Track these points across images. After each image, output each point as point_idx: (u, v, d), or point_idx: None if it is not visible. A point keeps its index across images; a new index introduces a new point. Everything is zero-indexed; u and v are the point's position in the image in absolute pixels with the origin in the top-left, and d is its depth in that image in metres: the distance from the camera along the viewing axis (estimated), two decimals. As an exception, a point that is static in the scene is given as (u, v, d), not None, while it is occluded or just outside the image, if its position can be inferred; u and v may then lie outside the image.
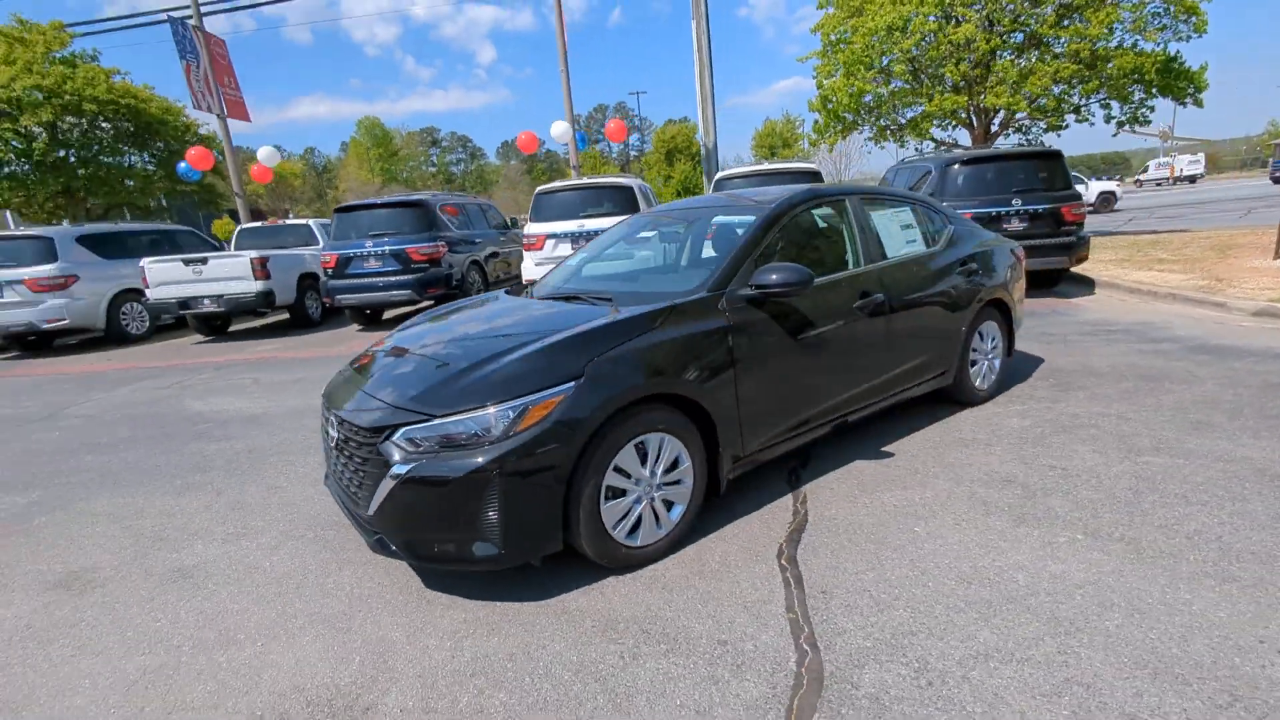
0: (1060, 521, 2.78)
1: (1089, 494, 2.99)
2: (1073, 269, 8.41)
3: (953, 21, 12.02)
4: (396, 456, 2.37)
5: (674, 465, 2.72)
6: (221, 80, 13.65)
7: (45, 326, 9.22)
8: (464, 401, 2.39)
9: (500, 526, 2.32)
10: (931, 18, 11.74)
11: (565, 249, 8.58)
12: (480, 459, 2.29)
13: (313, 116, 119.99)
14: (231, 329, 10.77)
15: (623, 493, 2.58)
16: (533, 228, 9.04)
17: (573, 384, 2.42)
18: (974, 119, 13.16)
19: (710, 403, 2.76)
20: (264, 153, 14.72)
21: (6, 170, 15.64)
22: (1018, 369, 4.99)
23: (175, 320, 10.51)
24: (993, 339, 4.36)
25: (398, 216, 9.11)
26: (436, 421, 2.36)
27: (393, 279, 8.85)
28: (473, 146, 72.67)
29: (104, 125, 16.48)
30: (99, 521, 3.54)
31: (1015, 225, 7.54)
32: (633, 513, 2.62)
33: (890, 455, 3.59)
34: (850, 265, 3.55)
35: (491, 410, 2.35)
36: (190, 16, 12.95)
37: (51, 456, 4.76)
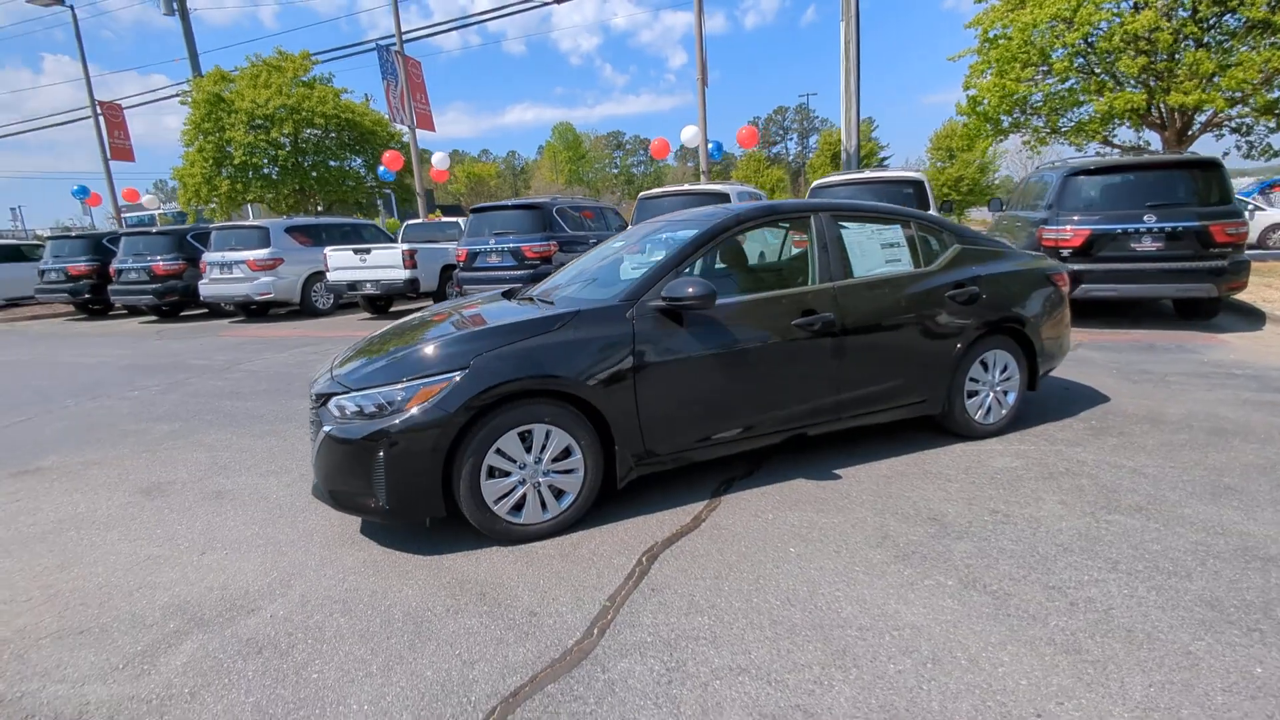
0: (945, 566, 2.60)
1: (1007, 543, 2.74)
2: (1233, 298, 7.04)
3: (1132, 8, 10.29)
4: (326, 420, 2.89)
5: (565, 455, 2.97)
6: (415, 96, 15.80)
7: (257, 298, 11.43)
8: (373, 380, 2.85)
9: (387, 487, 2.75)
10: (1107, 5, 10.14)
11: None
12: (375, 427, 2.73)
13: (521, 122, 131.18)
14: (392, 309, 12.51)
15: (506, 474, 2.89)
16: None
17: (458, 373, 2.78)
18: (1165, 119, 11.18)
19: (604, 403, 2.96)
20: (437, 157, 16.83)
21: (262, 172, 19.58)
22: (1066, 406, 4.45)
23: (350, 299, 12.42)
24: (1004, 369, 3.97)
25: (518, 217, 10.03)
26: (352, 394, 2.84)
27: (510, 273, 9.77)
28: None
29: (330, 135, 19.94)
30: (198, 450, 4.56)
31: (1146, 245, 6.51)
32: (516, 492, 2.91)
33: (837, 478, 3.49)
34: (804, 282, 3.51)
35: (389, 389, 2.78)
36: (394, 43, 15.17)
37: (207, 399, 6.08)
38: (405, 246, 10.55)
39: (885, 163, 38.88)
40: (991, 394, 3.97)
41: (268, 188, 19.75)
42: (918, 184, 7.97)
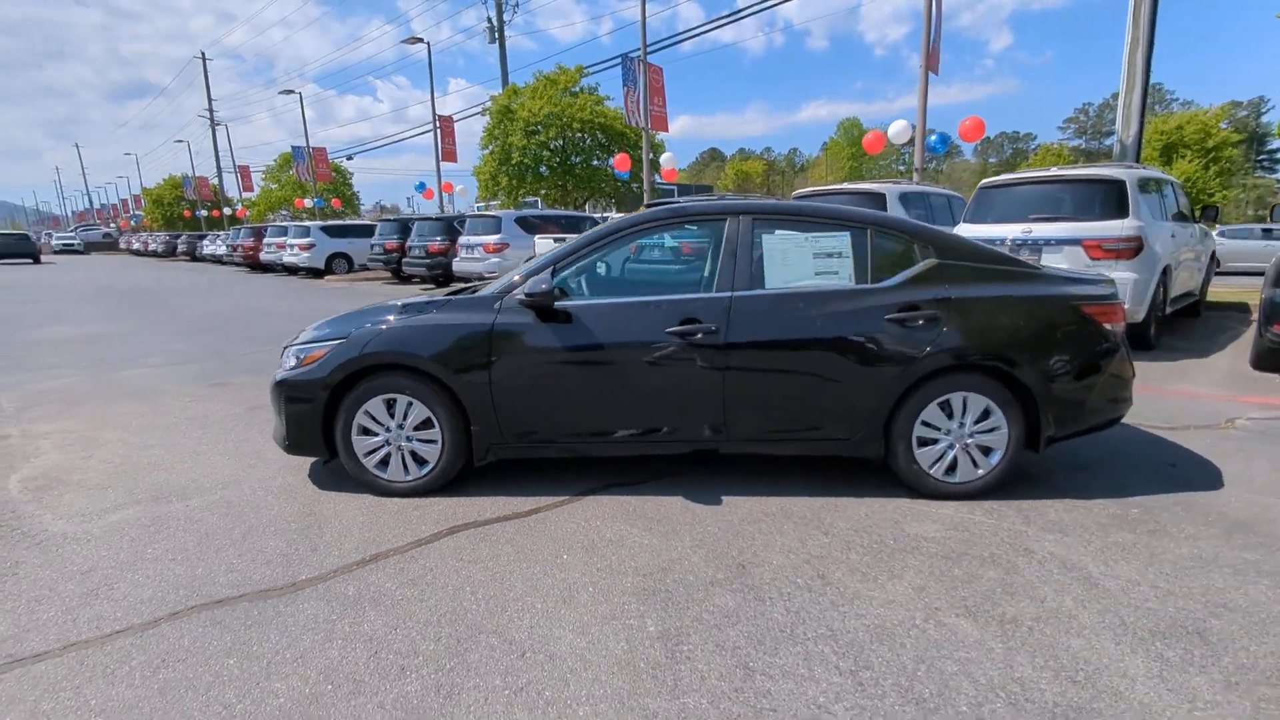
0: (676, 612, 2.30)
1: (779, 612, 2.30)
2: None
3: None
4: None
5: (427, 426, 3.26)
6: (653, 100, 16.80)
7: (487, 276, 13.51)
8: (302, 339, 3.46)
9: (286, 426, 3.35)
10: None
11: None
12: (281, 376, 3.35)
13: (815, 119, 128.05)
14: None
15: (374, 434, 3.29)
16: (962, 230, 6.79)
17: (337, 342, 3.25)
18: None
19: (457, 384, 3.18)
20: (665, 157, 17.61)
21: (538, 170, 22.78)
22: (1133, 477, 3.28)
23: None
24: (981, 418, 3.11)
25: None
26: (291, 348, 3.49)
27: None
28: (954, 142, 67.15)
29: (586, 138, 22.20)
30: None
31: None
32: (382, 450, 3.30)
33: (712, 503, 3.18)
34: (700, 289, 3.22)
35: (302, 347, 3.37)
36: (637, 52, 16.35)
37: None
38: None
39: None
40: (958, 446, 3.15)
41: (539, 184, 22.97)
42: (1115, 185, 6.17)
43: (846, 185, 8.68)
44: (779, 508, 3.13)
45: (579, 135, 22.79)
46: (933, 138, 12.20)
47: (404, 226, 17.23)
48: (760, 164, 54.02)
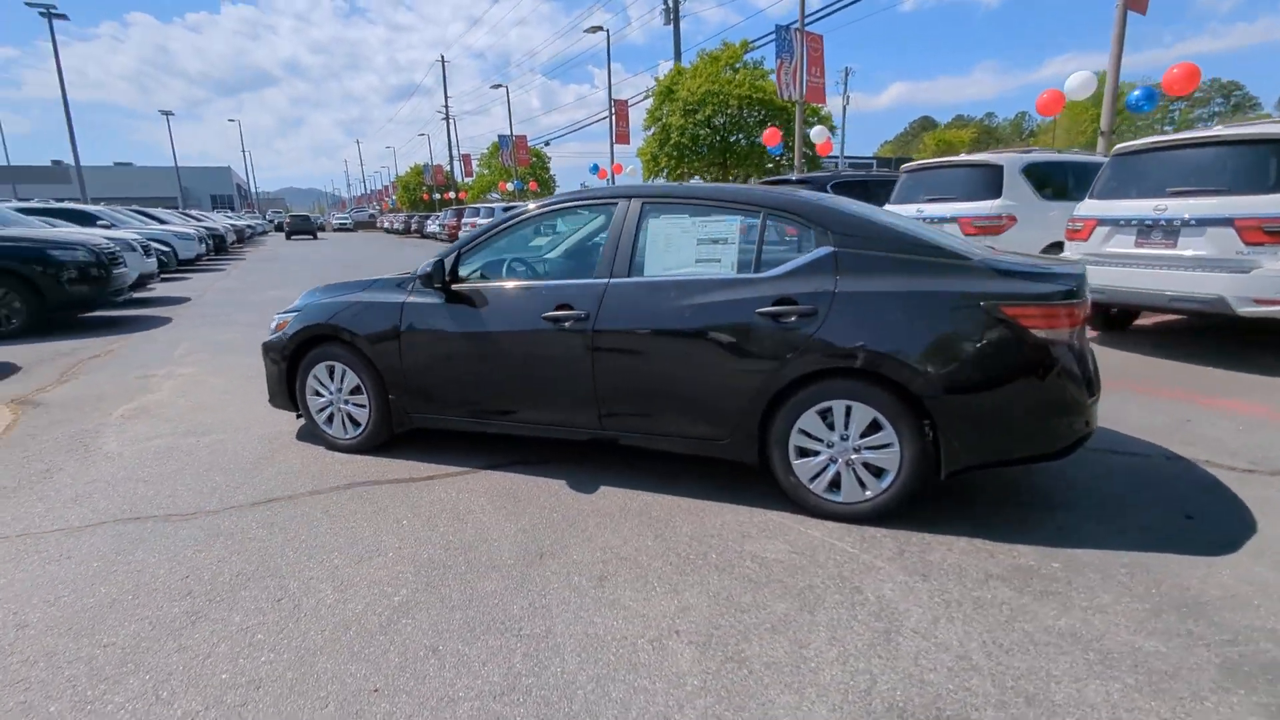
0: (418, 586, 2.37)
1: (513, 605, 2.26)
2: None
3: None
4: None
5: (358, 392, 3.63)
6: (811, 71, 15.73)
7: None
8: (286, 309, 4.01)
9: (267, 382, 3.93)
10: None
11: (1125, 242, 5.43)
12: (263, 341, 3.92)
13: (1060, 75, 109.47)
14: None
15: (320, 394, 3.73)
16: (1085, 207, 5.84)
17: (295, 314, 3.73)
18: None
19: (374, 355, 3.48)
20: (815, 130, 16.28)
21: (698, 149, 22.54)
22: (1119, 524, 2.60)
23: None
24: (868, 431, 2.65)
25: (875, 187, 9.57)
26: (277, 316, 4.06)
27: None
28: (1241, 95, 52.79)
29: (750, 114, 21.29)
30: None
31: None
32: (327, 410, 3.74)
33: (589, 493, 3.13)
34: (584, 275, 3.12)
35: (276, 316, 3.92)
36: (795, 23, 15.37)
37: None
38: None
39: None
40: (842, 461, 2.73)
41: (697, 163, 22.79)
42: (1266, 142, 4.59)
43: (962, 156, 7.53)
44: (642, 505, 3.00)
45: (738, 112, 22.17)
46: (1135, 93, 9.95)
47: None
48: (972, 131, 47.76)
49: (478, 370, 3.33)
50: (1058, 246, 6.51)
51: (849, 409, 2.67)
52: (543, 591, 2.34)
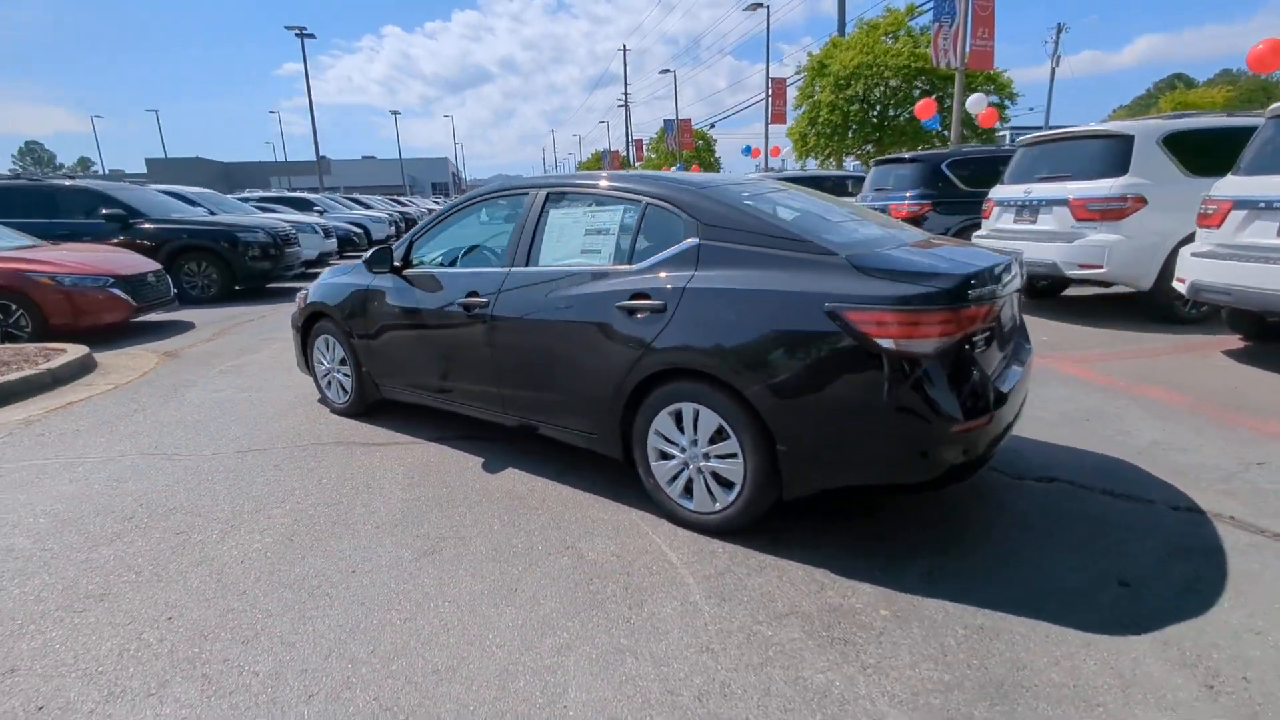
0: (269, 533, 2.65)
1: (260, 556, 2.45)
2: None
3: None
4: None
5: (344, 362, 4.06)
6: (977, 33, 13.73)
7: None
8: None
9: (295, 350, 4.54)
10: None
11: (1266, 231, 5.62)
12: (291, 313, 4.52)
13: None
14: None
15: (321, 363, 4.23)
16: (1225, 185, 4.79)
17: (305, 291, 4.25)
18: None
19: (349, 331, 3.87)
20: (973, 100, 14.04)
21: (848, 128, 20.75)
22: (1027, 571, 2.18)
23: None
24: (716, 438, 2.43)
25: (909, 170, 8.60)
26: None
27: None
28: None
29: (913, 87, 18.99)
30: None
31: None
32: (326, 377, 4.22)
33: (493, 473, 3.24)
34: (499, 263, 3.18)
35: (300, 292, 4.48)
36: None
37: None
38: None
39: None
40: (693, 468, 2.53)
41: (847, 142, 21.01)
42: None
43: (1089, 126, 6.25)
44: (528, 490, 3.04)
45: (898, 84, 20.03)
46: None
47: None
48: (1230, 91, 38.46)
49: (415, 349, 3.56)
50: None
51: (696, 413, 2.48)
52: (371, 553, 2.52)
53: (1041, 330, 5.96)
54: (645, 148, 48.52)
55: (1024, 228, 6.34)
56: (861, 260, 2.25)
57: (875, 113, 21.27)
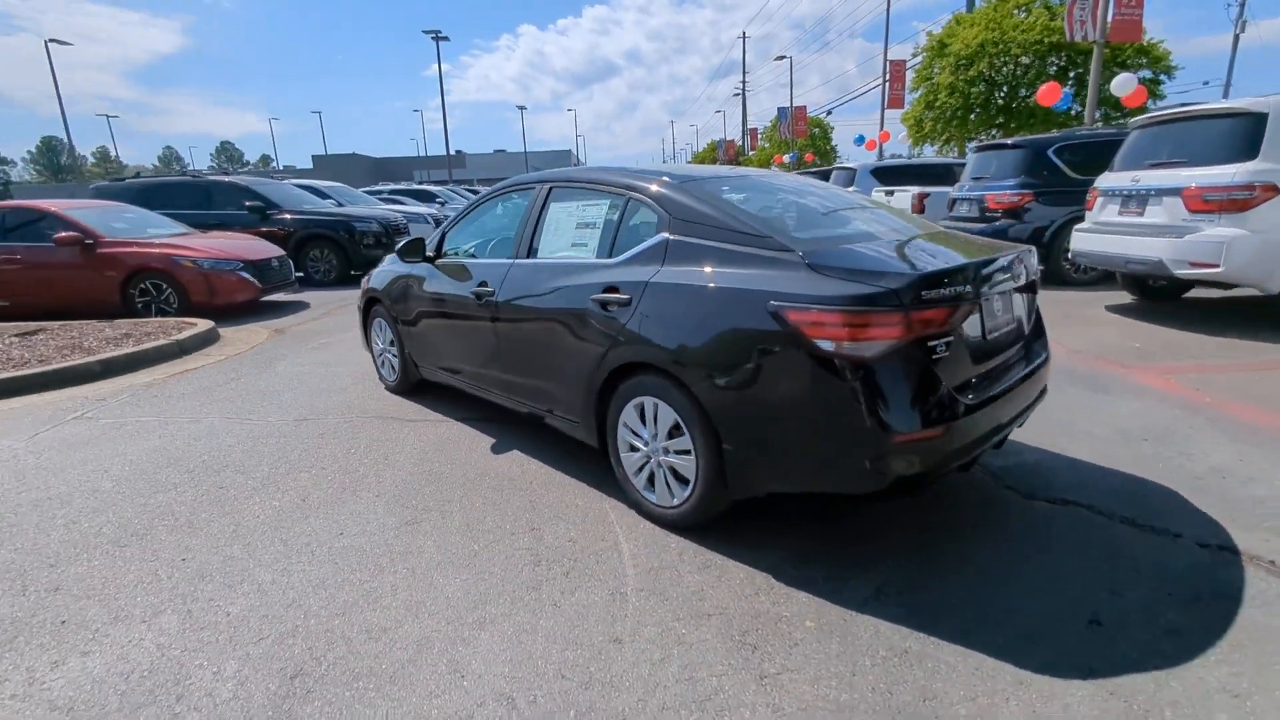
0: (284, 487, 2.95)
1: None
2: None
3: None
4: None
5: (393, 344, 4.39)
6: (1121, 0, 12.03)
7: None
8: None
9: (361, 331, 4.96)
10: None
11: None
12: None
13: None
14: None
15: (377, 344, 4.59)
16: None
17: (367, 277, 4.63)
18: None
19: (395, 315, 4.18)
20: (1118, 81, 12.11)
21: (974, 109, 18.86)
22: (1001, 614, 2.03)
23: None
24: (671, 432, 2.41)
25: (1011, 156, 7.81)
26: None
27: (969, 228, 8.02)
28: None
29: (1039, 63, 16.83)
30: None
31: None
32: (380, 357, 4.59)
33: (498, 455, 3.41)
34: (505, 255, 3.30)
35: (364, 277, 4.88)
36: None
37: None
38: (918, 190, 9.81)
39: None
40: (654, 461, 2.53)
41: (967, 126, 19.11)
42: None
43: (1211, 104, 5.36)
44: (523, 473, 3.17)
45: (1028, 62, 17.91)
46: None
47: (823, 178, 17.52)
48: None
49: (441, 334, 3.79)
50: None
51: (656, 408, 2.48)
52: (363, 519, 2.75)
53: (1137, 336, 5.27)
54: (760, 137, 47.44)
55: (1129, 221, 5.61)
56: (816, 258, 2.14)
57: (1002, 94, 19.34)
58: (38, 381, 4.96)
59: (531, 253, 3.16)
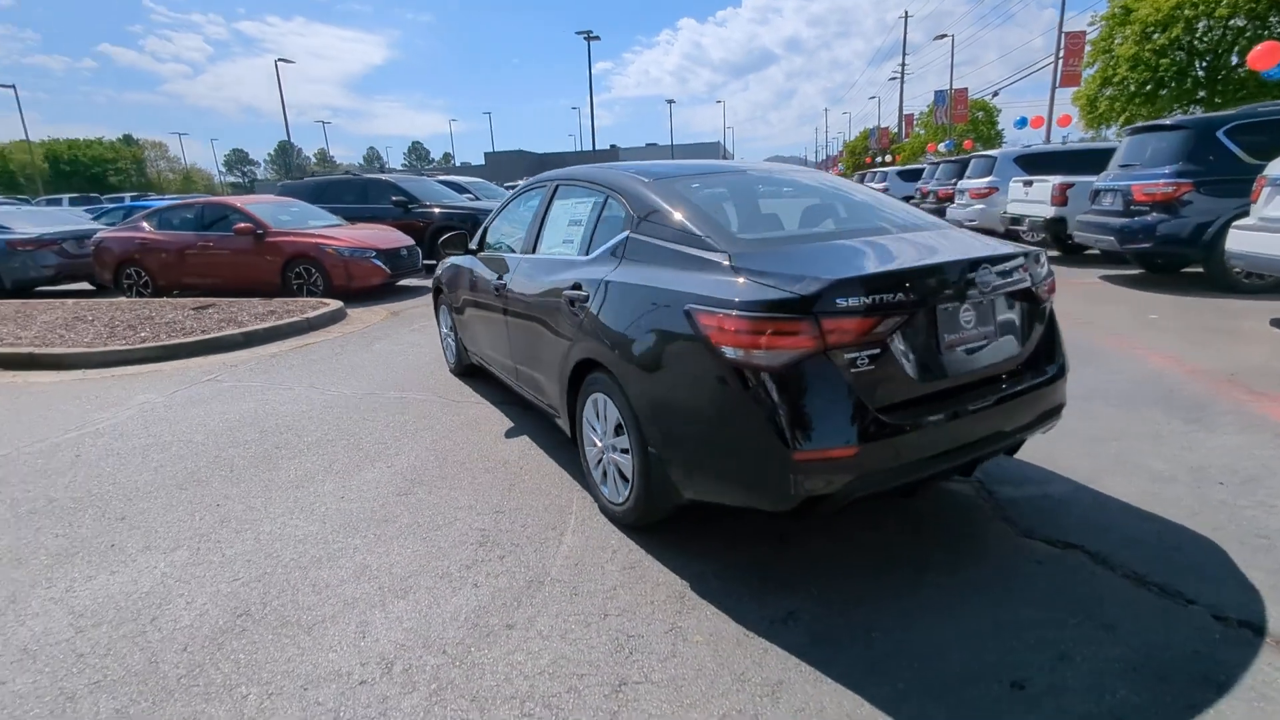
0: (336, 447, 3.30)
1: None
2: None
3: None
4: None
5: (452, 329, 4.72)
6: None
7: (965, 225, 11.75)
8: (453, 265, 5.35)
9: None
10: None
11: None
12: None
13: None
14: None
15: (441, 329, 4.96)
16: None
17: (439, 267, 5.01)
18: None
19: (450, 301, 4.50)
20: None
21: (1166, 81, 15.67)
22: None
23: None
24: (617, 428, 2.39)
25: (1170, 139, 6.56)
26: (456, 271, 5.45)
27: (1111, 222, 6.89)
28: None
29: (1246, 27, 13.40)
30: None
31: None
32: (444, 342, 4.95)
33: (511, 438, 3.58)
34: (519, 250, 3.42)
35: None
36: None
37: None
38: (1060, 180, 8.56)
39: None
40: (607, 458, 2.51)
41: (1146, 104, 15.92)
42: None
43: None
44: (520, 457, 3.31)
45: (1242, 24, 14.51)
46: None
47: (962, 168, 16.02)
48: None
49: (476, 323, 4.02)
50: None
51: (605, 405, 2.47)
52: (368, 486, 3.03)
53: (1298, 357, 4.26)
54: (916, 123, 43.85)
55: (1301, 215, 4.53)
56: (743, 260, 2.02)
57: (1203, 64, 16.07)
58: (196, 348, 5.96)
59: (536, 248, 3.26)
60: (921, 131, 41.61)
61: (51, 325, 6.83)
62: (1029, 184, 9.56)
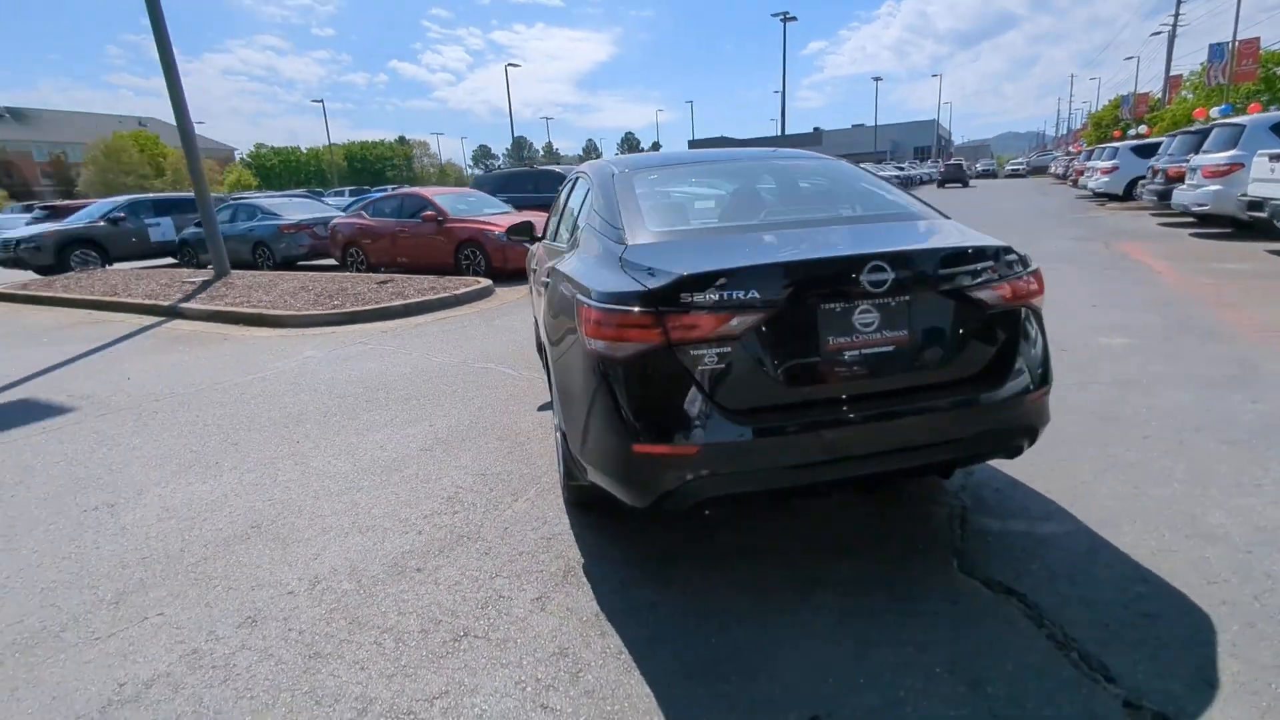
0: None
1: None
2: None
3: None
4: None
5: (535, 311, 5.10)
6: None
7: (1194, 209, 9.41)
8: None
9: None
10: None
11: None
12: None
13: None
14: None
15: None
16: None
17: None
18: None
19: (532, 284, 4.87)
20: None
21: None
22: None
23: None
24: (557, 414, 2.48)
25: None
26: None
27: None
28: None
29: None
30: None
31: None
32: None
33: (539, 411, 3.82)
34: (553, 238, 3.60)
35: (543, 256, 5.69)
36: None
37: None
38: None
39: None
40: (556, 436, 2.61)
41: None
42: None
43: None
44: (537, 430, 3.56)
45: None
46: None
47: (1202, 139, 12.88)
48: None
49: (536, 303, 4.31)
50: None
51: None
52: (407, 439, 3.50)
53: None
54: (1183, 85, 35.32)
55: None
56: (631, 252, 2.00)
57: None
58: (368, 315, 7.14)
59: (556, 238, 3.44)
60: (1190, 96, 33.47)
61: (285, 293, 8.59)
62: (1278, 159, 7.40)
